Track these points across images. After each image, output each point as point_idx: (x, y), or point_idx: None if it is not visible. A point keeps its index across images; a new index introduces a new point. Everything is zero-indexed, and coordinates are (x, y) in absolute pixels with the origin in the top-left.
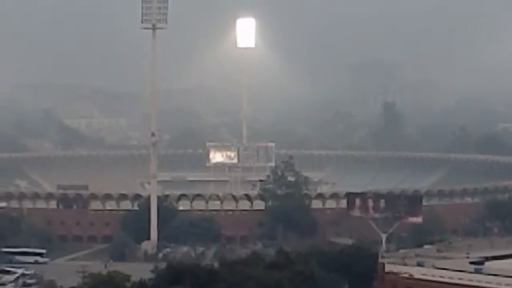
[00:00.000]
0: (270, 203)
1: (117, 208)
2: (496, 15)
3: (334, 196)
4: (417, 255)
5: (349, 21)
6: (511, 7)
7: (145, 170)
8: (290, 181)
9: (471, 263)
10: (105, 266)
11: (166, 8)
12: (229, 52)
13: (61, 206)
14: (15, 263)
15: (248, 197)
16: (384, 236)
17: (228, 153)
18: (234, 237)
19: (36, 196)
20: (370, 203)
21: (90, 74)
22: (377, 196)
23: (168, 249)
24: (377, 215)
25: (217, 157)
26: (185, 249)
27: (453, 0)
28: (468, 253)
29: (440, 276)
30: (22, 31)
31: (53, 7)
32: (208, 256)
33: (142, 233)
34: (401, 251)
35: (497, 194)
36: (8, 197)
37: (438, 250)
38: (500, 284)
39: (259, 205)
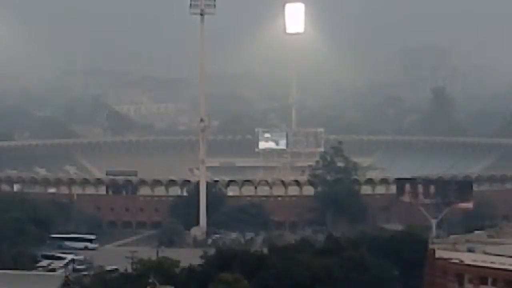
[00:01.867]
0: (319, 188)
1: (166, 194)
2: None
3: (384, 181)
4: (467, 241)
5: (399, 6)
6: None
7: (194, 156)
8: (339, 167)
9: None
10: (157, 252)
11: None
12: (278, 38)
13: (110, 192)
14: (65, 249)
15: (297, 182)
16: (434, 222)
17: (277, 138)
18: (283, 223)
19: (85, 182)
20: (420, 188)
21: (139, 60)
22: (427, 181)
23: (217, 235)
24: (427, 201)
25: (266, 142)
26: (234, 235)
27: None
28: None
29: (491, 262)
30: (72, 18)
31: None
32: (257, 242)
33: (191, 219)
34: (452, 237)
35: None
36: (57, 183)
37: (488, 236)
38: None
39: (308, 190)
